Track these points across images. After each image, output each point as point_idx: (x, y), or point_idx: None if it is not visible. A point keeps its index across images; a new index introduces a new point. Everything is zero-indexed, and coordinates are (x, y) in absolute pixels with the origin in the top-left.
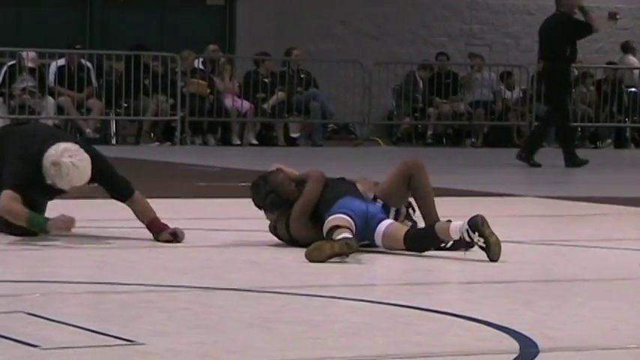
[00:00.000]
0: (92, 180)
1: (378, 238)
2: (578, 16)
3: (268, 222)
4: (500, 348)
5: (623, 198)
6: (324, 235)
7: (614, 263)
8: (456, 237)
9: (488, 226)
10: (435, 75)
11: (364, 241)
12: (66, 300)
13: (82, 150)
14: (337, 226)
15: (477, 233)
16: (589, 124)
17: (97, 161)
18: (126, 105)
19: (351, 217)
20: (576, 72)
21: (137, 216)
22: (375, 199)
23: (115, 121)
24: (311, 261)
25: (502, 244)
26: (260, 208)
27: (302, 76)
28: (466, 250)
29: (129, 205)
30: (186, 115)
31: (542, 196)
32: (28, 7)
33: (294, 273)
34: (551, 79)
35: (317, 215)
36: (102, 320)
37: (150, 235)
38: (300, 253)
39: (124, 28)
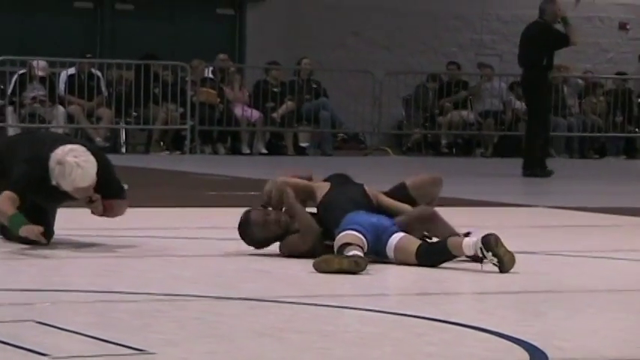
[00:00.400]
0: (98, 185)
1: (390, 251)
2: (560, 26)
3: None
4: (511, 359)
5: (634, 209)
6: (335, 252)
7: (625, 274)
8: (470, 253)
9: (502, 245)
10: (444, 84)
11: (377, 255)
12: (76, 309)
13: (88, 152)
14: (348, 244)
15: (490, 253)
16: (598, 134)
17: (102, 166)
18: (136, 114)
19: (362, 234)
20: (581, 82)
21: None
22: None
23: (125, 129)
24: (319, 272)
25: (516, 255)
26: None
27: (313, 85)
28: (481, 264)
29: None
30: (196, 124)
31: (553, 207)
32: (38, 15)
33: (304, 283)
34: (528, 87)
35: (325, 227)
36: (112, 329)
37: (161, 245)
38: (309, 263)
39: (134, 37)
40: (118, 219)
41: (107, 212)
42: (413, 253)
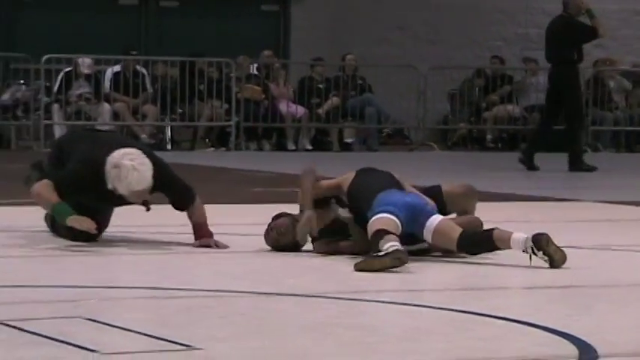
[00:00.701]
0: (154, 188)
1: (428, 233)
2: (585, 19)
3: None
4: (560, 353)
5: None
6: (369, 238)
7: None
8: (519, 249)
9: (553, 243)
10: (490, 79)
11: (412, 236)
12: (124, 305)
13: (143, 155)
14: (383, 232)
15: (541, 252)
16: None
17: (159, 169)
18: (181, 111)
19: (396, 215)
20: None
21: (189, 217)
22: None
23: (170, 126)
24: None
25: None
26: None
27: (358, 81)
28: (530, 260)
29: (187, 212)
30: (241, 121)
31: (600, 201)
32: (83, 13)
33: (349, 279)
34: (559, 84)
35: (357, 209)
36: (160, 325)
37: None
38: (353, 259)
39: (178, 33)
40: (164, 215)
41: (202, 234)
42: (455, 239)
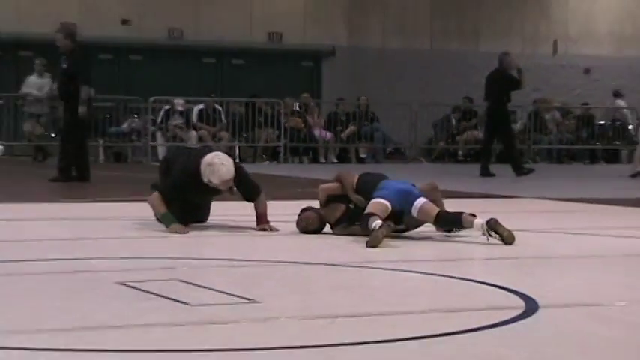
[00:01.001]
0: (235, 183)
1: (415, 210)
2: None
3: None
4: (511, 304)
5: (597, 199)
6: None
7: (593, 245)
8: (479, 231)
9: (501, 225)
10: (462, 113)
11: (402, 213)
12: (206, 271)
13: (226, 156)
14: (371, 214)
15: (493, 231)
16: (570, 146)
17: (237, 168)
18: (245, 135)
19: (388, 198)
20: (558, 115)
21: (255, 208)
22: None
23: (238, 147)
24: (372, 247)
25: (513, 232)
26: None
27: (369, 114)
28: (487, 239)
29: (254, 204)
30: (287, 142)
31: (538, 197)
32: (177, 68)
33: (361, 253)
34: (494, 118)
35: (366, 195)
36: (231, 285)
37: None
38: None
39: (244, 81)
40: (233, 210)
41: (262, 221)
42: (433, 216)
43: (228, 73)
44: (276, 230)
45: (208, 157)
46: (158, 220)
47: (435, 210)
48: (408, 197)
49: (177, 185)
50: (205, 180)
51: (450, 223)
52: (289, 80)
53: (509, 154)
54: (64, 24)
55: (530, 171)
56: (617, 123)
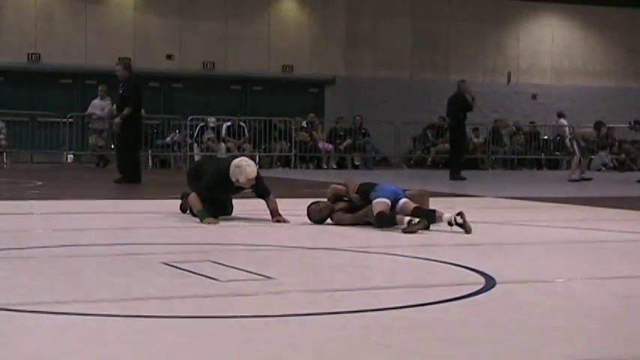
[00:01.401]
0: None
1: (399, 206)
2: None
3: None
4: (474, 281)
5: (543, 197)
6: (375, 214)
7: (540, 234)
8: (447, 222)
9: (464, 218)
10: (437, 130)
11: (392, 208)
12: (232, 254)
13: (250, 160)
14: (381, 212)
15: (458, 225)
16: (521, 156)
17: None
18: (264, 147)
19: (387, 197)
20: (513, 128)
21: (268, 206)
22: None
23: (258, 156)
24: (406, 233)
25: (475, 224)
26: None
27: (362, 130)
28: (451, 228)
29: (266, 201)
30: (297, 152)
31: (497, 196)
32: (209, 94)
33: (359, 239)
34: (453, 132)
35: (365, 195)
36: (252, 265)
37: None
38: (361, 228)
39: (262, 104)
40: (259, 204)
41: (276, 214)
42: (411, 210)
43: (250, 98)
44: (288, 222)
45: (237, 160)
46: (193, 214)
47: (412, 206)
48: (398, 197)
49: (211, 185)
50: (233, 179)
51: (425, 216)
52: (299, 103)
53: (452, 160)
54: (123, 59)
55: (463, 179)
56: (558, 138)
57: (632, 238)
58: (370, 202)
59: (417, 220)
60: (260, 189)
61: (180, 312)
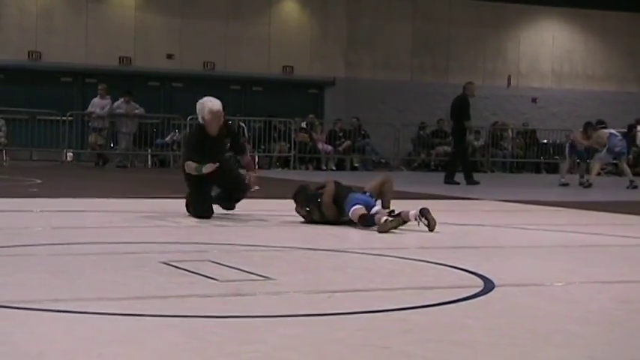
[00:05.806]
0: (227, 133)
1: (373, 212)
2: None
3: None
4: (472, 284)
5: (540, 201)
6: (358, 220)
7: (535, 237)
8: (413, 218)
9: (430, 213)
10: (436, 132)
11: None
12: (231, 254)
13: (216, 99)
14: (365, 214)
15: (424, 218)
16: (520, 159)
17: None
18: (263, 147)
19: (360, 205)
20: (513, 133)
21: (242, 159)
22: (365, 192)
23: (258, 156)
24: (381, 232)
25: (468, 227)
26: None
27: (361, 132)
28: (418, 224)
29: (241, 158)
30: (296, 153)
31: (495, 199)
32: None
33: (354, 241)
34: (456, 134)
35: (338, 203)
36: (251, 265)
37: (285, 218)
38: (355, 230)
39: (263, 105)
40: (262, 204)
41: (250, 167)
42: (385, 214)
43: (250, 98)
44: (258, 178)
45: (199, 101)
46: (193, 215)
47: (385, 212)
48: (368, 204)
49: (190, 148)
50: (200, 119)
51: (395, 221)
52: (298, 104)
53: (450, 163)
54: None
55: (456, 183)
56: (557, 141)
57: (630, 243)
58: (343, 211)
59: (391, 218)
60: (235, 142)
61: (179, 311)
